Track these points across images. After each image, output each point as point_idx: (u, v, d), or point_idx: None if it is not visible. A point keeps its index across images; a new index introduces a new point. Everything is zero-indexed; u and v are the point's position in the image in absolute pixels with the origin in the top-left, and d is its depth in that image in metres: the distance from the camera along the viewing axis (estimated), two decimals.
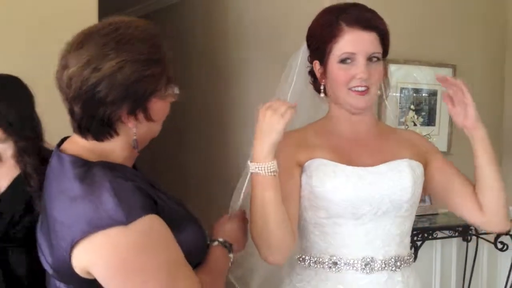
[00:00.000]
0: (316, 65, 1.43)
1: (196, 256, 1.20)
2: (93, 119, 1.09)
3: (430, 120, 3.15)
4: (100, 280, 1.05)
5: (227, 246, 1.30)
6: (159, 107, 1.14)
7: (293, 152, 1.38)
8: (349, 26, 1.35)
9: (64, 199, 1.06)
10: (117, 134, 1.12)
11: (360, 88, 1.37)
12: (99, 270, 1.04)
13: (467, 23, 3.26)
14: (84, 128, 1.11)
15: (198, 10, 4.14)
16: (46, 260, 1.13)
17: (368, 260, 1.37)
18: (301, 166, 1.38)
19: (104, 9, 2.98)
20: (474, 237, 3.18)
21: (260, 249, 1.31)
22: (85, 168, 1.08)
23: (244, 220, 1.41)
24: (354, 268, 1.37)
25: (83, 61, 1.06)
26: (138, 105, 1.10)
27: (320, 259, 1.40)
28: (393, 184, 1.38)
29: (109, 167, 1.09)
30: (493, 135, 3.34)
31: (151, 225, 1.06)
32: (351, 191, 1.34)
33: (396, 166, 1.41)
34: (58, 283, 1.14)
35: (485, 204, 1.45)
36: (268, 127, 1.23)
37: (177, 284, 1.07)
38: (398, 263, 1.40)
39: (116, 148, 1.14)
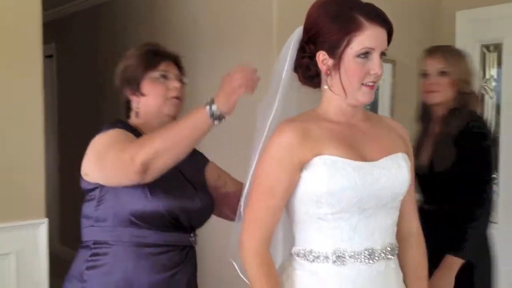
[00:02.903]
0: (321, 56, 1.42)
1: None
2: (124, 104, 1.78)
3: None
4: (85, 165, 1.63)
5: (213, 111, 1.50)
6: (147, 86, 1.71)
7: (296, 150, 1.38)
8: (369, 21, 1.38)
9: None
10: (131, 109, 1.76)
11: (371, 83, 1.41)
12: (86, 158, 1.63)
13: (405, 19, 3.39)
14: (127, 112, 1.78)
15: (143, 3, 4.09)
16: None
17: (370, 251, 1.41)
18: (304, 164, 1.39)
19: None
20: None
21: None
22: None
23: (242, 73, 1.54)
24: (359, 260, 1.40)
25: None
26: (131, 85, 1.73)
27: (323, 254, 1.41)
28: (395, 178, 1.43)
29: (122, 121, 1.74)
30: None
31: (115, 130, 1.63)
32: (361, 186, 1.37)
33: (395, 160, 1.46)
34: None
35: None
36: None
37: (111, 153, 1.55)
38: (392, 251, 1.46)
39: (133, 119, 1.77)
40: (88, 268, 1.62)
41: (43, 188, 2.63)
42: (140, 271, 1.59)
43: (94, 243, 1.63)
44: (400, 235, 1.54)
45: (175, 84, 1.73)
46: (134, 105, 1.74)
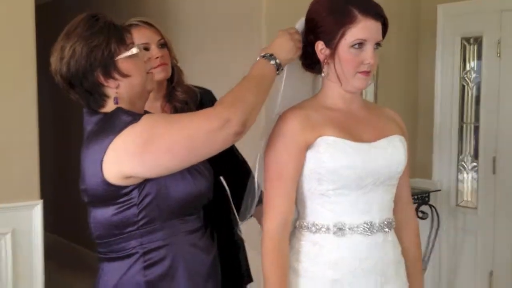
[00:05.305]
0: (319, 45, 1.54)
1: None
2: (86, 93, 1.47)
3: None
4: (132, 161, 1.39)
5: (267, 56, 1.52)
6: (128, 65, 1.48)
7: (299, 135, 1.49)
8: (362, 14, 1.48)
9: None
10: (107, 96, 1.48)
11: (366, 71, 1.51)
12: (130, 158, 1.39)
13: (387, 12, 3.47)
14: (90, 106, 1.49)
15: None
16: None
17: (369, 224, 1.52)
18: (308, 146, 1.50)
19: None
20: None
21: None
22: None
23: (294, 34, 1.58)
24: (358, 232, 1.51)
25: (55, 61, 1.46)
26: (107, 67, 1.45)
27: (325, 226, 1.52)
28: (391, 158, 1.54)
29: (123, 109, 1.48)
30: (409, 111, 3.69)
31: (151, 115, 1.49)
32: (360, 165, 1.48)
33: (392, 141, 1.57)
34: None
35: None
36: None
37: (187, 128, 1.40)
38: (390, 225, 1.57)
39: (110, 108, 1.49)
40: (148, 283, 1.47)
41: (37, 171, 2.69)
42: (198, 260, 1.53)
43: (145, 253, 1.47)
44: (396, 224, 1.62)
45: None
46: (109, 91, 1.47)
